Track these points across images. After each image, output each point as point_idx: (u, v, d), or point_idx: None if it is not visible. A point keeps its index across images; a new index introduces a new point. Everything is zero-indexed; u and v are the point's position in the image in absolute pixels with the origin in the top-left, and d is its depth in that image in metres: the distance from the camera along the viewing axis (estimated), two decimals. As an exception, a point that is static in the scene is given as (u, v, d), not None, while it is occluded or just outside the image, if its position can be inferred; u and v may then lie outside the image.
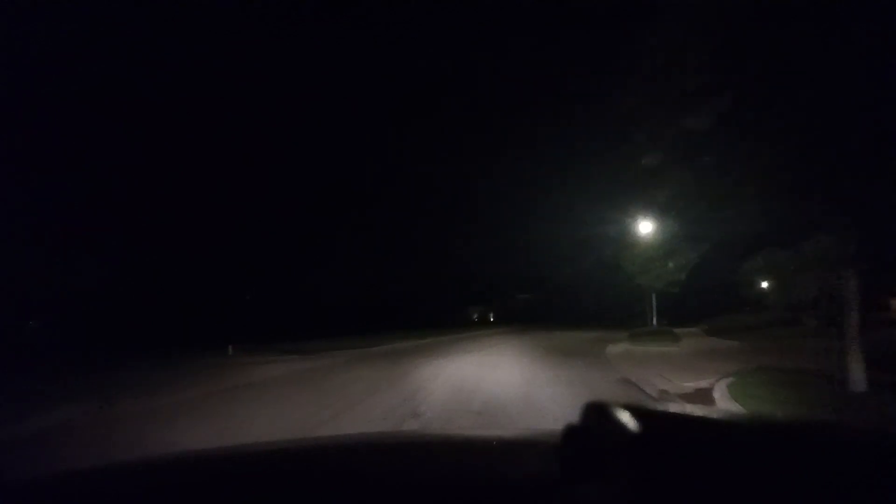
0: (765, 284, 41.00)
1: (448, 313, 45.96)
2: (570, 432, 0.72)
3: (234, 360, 15.75)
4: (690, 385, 8.63)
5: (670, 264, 24.42)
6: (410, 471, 1.18)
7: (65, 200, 29.60)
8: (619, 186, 25.43)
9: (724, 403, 6.89)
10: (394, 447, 1.54)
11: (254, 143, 42.79)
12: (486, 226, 61.41)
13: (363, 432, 4.40)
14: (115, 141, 32.99)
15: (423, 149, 55.23)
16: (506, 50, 46.99)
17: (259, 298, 38.73)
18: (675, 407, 0.67)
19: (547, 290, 59.11)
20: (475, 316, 52.63)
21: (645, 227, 22.58)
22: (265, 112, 46.71)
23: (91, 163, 32.07)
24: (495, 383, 8.87)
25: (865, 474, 0.51)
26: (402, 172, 51.65)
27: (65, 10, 30.75)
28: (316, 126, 48.95)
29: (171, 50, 35.41)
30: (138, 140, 33.98)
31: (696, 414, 0.63)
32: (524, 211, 63.51)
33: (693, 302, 50.26)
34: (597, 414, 0.67)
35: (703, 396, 7.58)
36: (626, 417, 0.62)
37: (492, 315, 53.75)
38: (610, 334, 24.99)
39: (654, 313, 26.51)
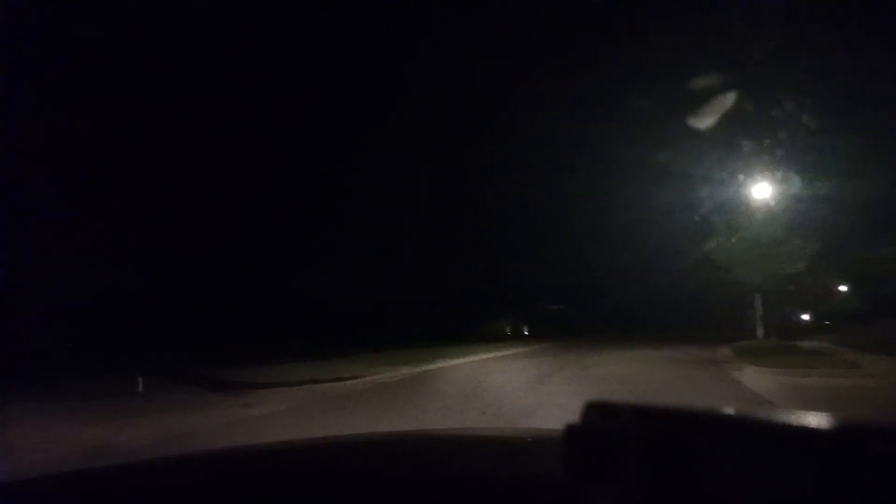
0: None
1: (475, 325, 38.95)
2: (572, 431, 0.67)
3: (133, 402, 9.51)
4: None
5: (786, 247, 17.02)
6: (415, 469, 1.17)
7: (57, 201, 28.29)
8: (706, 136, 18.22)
9: None
10: (398, 445, 1.55)
11: (253, 142, 39.06)
12: (519, 231, 54.42)
13: (367, 432, 4.58)
14: (114, 141, 32.35)
15: (440, 139, 49.48)
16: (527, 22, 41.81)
17: (252, 305, 32.78)
18: (680, 405, 0.64)
19: (583, 298, 52.47)
20: (508, 329, 45.44)
21: (761, 191, 15.27)
22: (265, 112, 43.78)
23: (88, 163, 31.14)
24: None
25: (871, 476, 0.48)
26: (423, 170, 45.47)
27: (65, 10, 30.58)
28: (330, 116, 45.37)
29: (171, 50, 35.02)
30: (138, 140, 33.03)
31: (702, 412, 0.61)
32: (559, 207, 56.29)
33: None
34: (599, 413, 0.66)
35: None
36: (629, 417, 0.61)
37: (526, 328, 46.45)
38: (697, 351, 17.69)
39: (760, 321, 19.20)
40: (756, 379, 10.02)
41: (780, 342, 18.32)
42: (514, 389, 9.13)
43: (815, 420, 0.53)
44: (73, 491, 1.09)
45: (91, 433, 6.84)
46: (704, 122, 15.14)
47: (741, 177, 15.50)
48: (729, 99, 14.87)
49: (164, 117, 33.90)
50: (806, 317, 41.48)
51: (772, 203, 15.58)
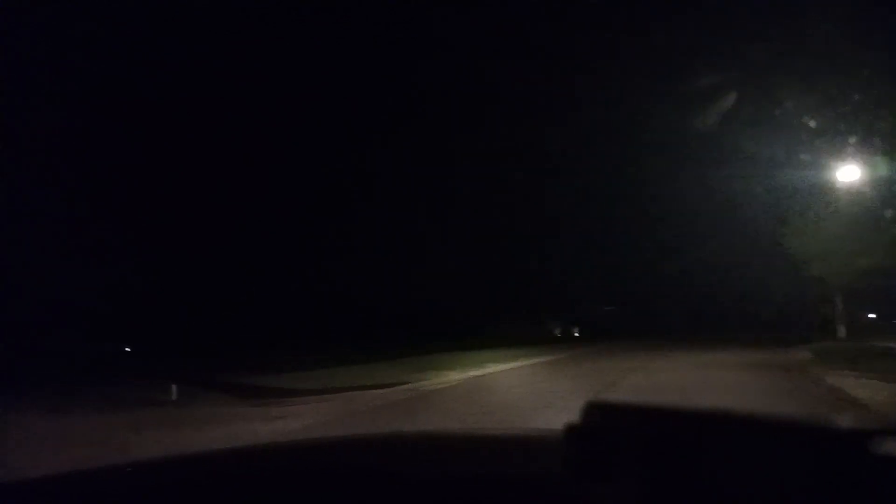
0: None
1: (522, 326, 37.69)
2: (572, 431, 0.66)
3: (159, 413, 8.73)
4: None
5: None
6: (415, 469, 1.16)
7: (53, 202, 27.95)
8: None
9: None
10: (398, 445, 1.53)
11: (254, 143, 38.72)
12: (569, 230, 52.64)
13: (368, 432, 4.63)
14: (113, 141, 32.49)
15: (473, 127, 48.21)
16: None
17: (281, 306, 32.25)
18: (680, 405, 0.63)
19: (636, 299, 50.85)
20: (557, 331, 44.02)
21: (848, 174, 13.56)
22: (275, 113, 43.67)
23: (86, 164, 31.02)
24: None
25: (871, 476, 0.47)
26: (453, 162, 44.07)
27: (65, 10, 30.83)
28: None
29: (171, 50, 35.19)
30: (138, 140, 33.27)
31: (702, 412, 0.59)
32: (610, 206, 54.23)
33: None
34: (599, 413, 0.65)
35: None
36: (629, 417, 0.61)
37: (576, 330, 44.94)
38: (771, 354, 16.19)
39: (843, 321, 17.42)
40: (864, 390, 8.57)
41: (863, 344, 16.56)
42: (579, 403, 8.00)
43: (816, 420, 0.52)
44: (73, 491, 1.09)
45: (110, 447, 6.27)
46: (780, 96, 13.64)
47: (825, 159, 13.88)
48: (809, 72, 13.33)
49: (169, 117, 33.90)
50: (873, 315, 38.67)
51: (858, 187, 13.88)
